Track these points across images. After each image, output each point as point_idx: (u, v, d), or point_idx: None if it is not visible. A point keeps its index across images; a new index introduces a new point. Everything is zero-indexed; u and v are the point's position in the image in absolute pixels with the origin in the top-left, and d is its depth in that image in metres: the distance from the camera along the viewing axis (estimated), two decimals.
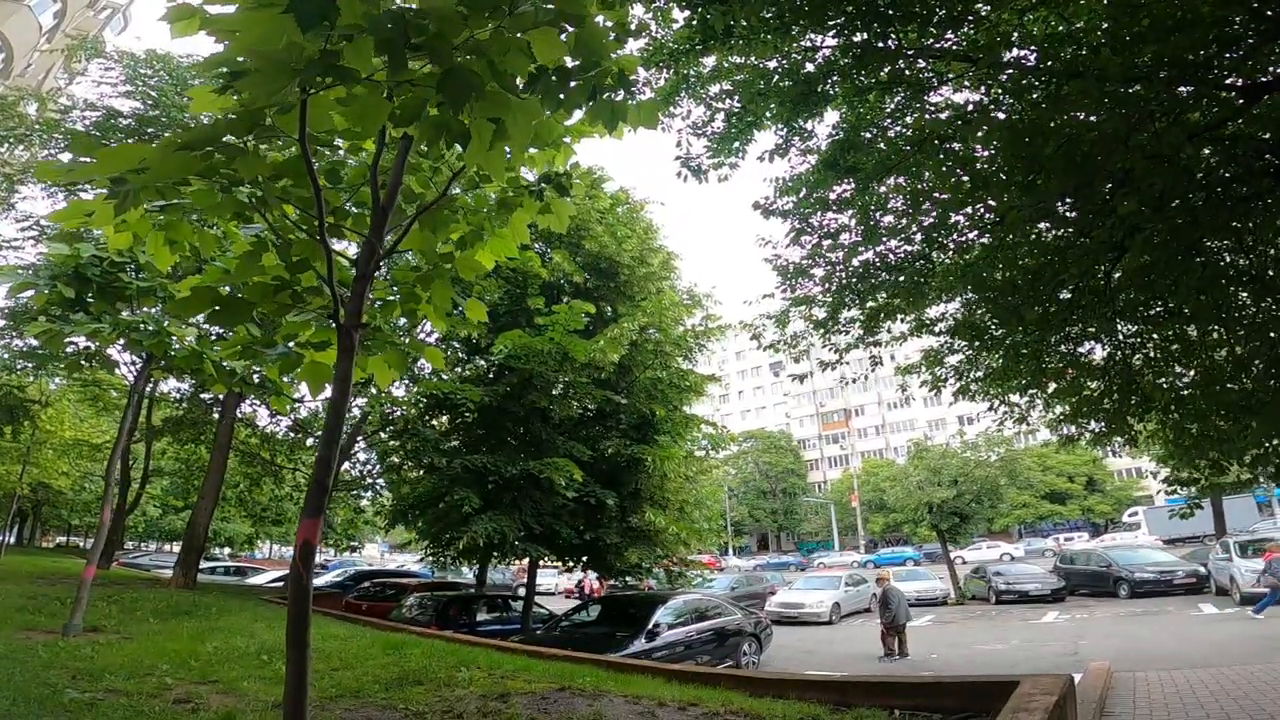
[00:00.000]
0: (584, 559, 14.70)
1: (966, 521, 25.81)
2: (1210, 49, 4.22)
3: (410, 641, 8.21)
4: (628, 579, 15.70)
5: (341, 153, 4.13)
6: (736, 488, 67.80)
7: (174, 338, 6.56)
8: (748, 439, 69.46)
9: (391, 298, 3.72)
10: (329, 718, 4.76)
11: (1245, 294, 7.07)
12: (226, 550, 44.26)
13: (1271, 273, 6.73)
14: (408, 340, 3.70)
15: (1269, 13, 3.95)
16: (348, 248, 5.01)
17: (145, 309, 6.85)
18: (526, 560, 14.73)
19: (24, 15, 26.51)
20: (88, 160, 2.51)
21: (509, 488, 12.87)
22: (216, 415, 16.55)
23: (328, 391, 3.17)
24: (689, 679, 6.49)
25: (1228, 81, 4.55)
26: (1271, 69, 4.83)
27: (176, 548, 33.26)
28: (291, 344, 3.11)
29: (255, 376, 9.39)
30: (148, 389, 19.05)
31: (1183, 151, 4.25)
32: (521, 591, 16.67)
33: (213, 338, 7.18)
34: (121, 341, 6.94)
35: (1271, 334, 7.05)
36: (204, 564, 26.17)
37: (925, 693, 5.18)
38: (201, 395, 18.24)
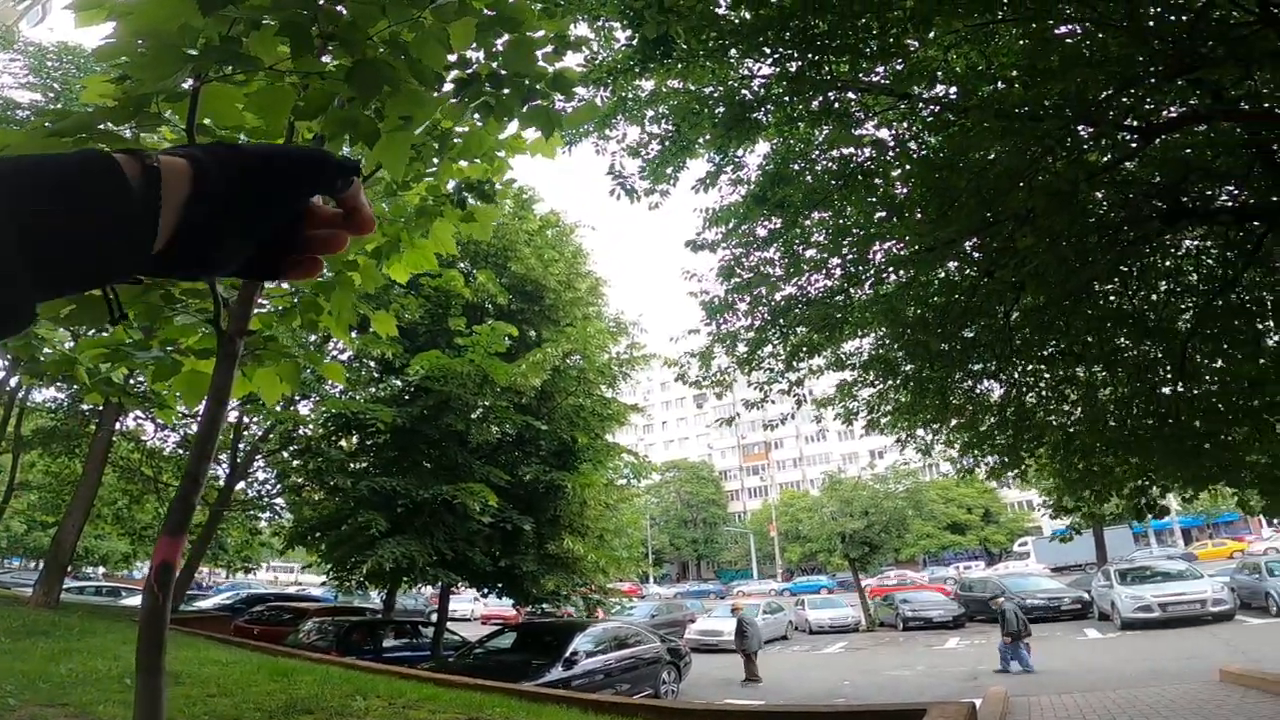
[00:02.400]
0: (499, 586, 14.23)
1: (876, 551, 26.72)
2: (1113, 88, 4.54)
3: (301, 668, 7.64)
4: (544, 607, 15.31)
5: None
6: (658, 516, 67.87)
7: (42, 341, 5.92)
8: (670, 469, 69.82)
9: (293, 306, 3.46)
10: None
11: (1128, 337, 7.61)
12: (100, 569, 40.70)
13: (1152, 317, 7.27)
14: (303, 352, 3.44)
15: (1169, 52, 4.28)
16: None
17: None
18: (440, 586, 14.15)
19: None
20: None
21: (420, 512, 12.34)
22: (94, 427, 15.24)
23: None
24: (606, 709, 6.30)
25: (1126, 122, 4.91)
26: (1166, 111, 5.26)
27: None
28: (169, 350, 2.82)
29: (139, 387, 8.66)
30: (19, 396, 17.41)
31: (1079, 190, 4.53)
32: (435, 618, 15.95)
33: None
34: None
35: (1150, 375, 7.61)
36: (73, 583, 23.85)
37: None
38: (81, 406, 16.73)
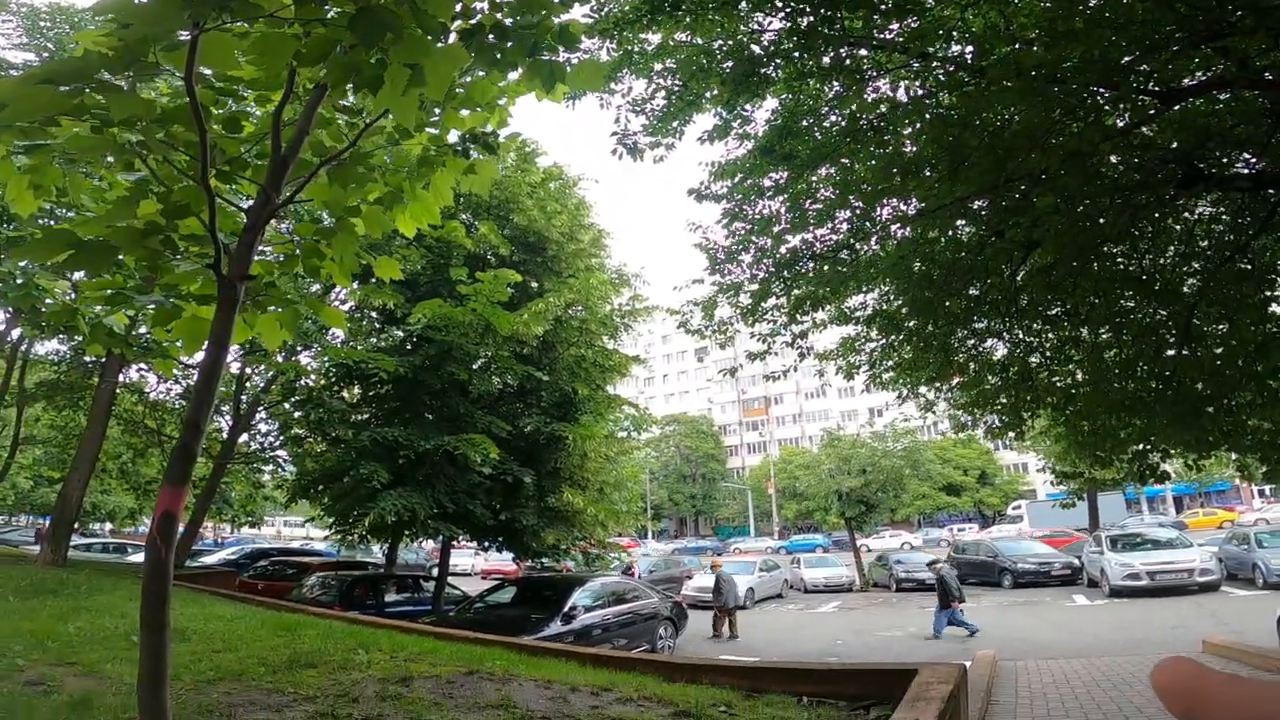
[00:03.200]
0: (500, 539, 14.46)
1: (872, 510, 26.91)
2: (1136, 52, 4.43)
3: (305, 622, 7.79)
4: (544, 561, 15.57)
5: (252, 107, 3.79)
6: (657, 471, 68.56)
7: (43, 291, 5.88)
8: (670, 422, 70.29)
9: (296, 253, 3.43)
10: (204, 702, 4.42)
11: (1133, 299, 7.57)
12: (107, 526, 41.21)
13: (1159, 280, 7.22)
14: (304, 299, 3.41)
15: (1198, 18, 4.16)
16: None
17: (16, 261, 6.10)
18: (441, 540, 14.37)
19: None
20: None
21: (422, 463, 12.44)
22: (97, 380, 15.32)
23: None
24: (604, 663, 6.43)
25: (1147, 87, 4.80)
26: (1188, 77, 5.14)
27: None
28: (170, 295, 2.80)
29: (143, 338, 8.63)
30: (21, 349, 17.42)
31: (1097, 152, 4.45)
32: (435, 572, 16.26)
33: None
34: None
35: (1154, 338, 7.59)
36: (79, 540, 24.19)
37: (833, 679, 5.32)
38: (83, 358, 16.79)
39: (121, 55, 2.42)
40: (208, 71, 2.93)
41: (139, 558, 24.09)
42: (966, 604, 14.77)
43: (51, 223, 9.23)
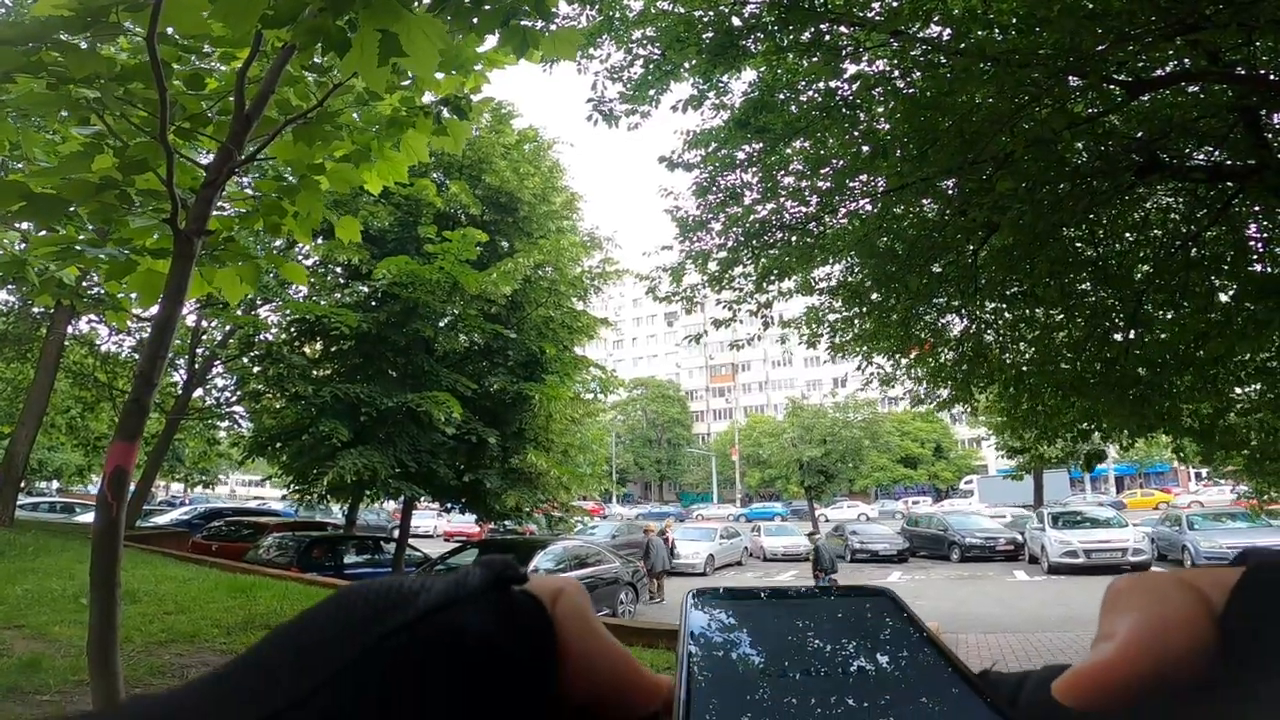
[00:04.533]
0: (462, 501, 14.48)
1: (831, 480, 27.58)
2: (1109, 41, 4.49)
3: (261, 584, 7.78)
4: (507, 523, 15.64)
5: (217, 64, 3.65)
6: (624, 434, 68.72)
7: None
8: (637, 386, 70.47)
9: (257, 209, 3.36)
10: (156, 663, 4.43)
11: (1087, 282, 7.79)
12: (55, 484, 39.78)
13: (1113, 264, 7.45)
14: (264, 254, 3.36)
15: (1172, 10, 4.23)
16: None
17: None
18: (402, 501, 14.33)
19: None
20: None
21: (384, 421, 12.35)
22: (45, 331, 14.75)
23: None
24: None
25: (1116, 76, 4.89)
26: (1158, 69, 5.24)
27: None
28: (125, 249, 2.73)
29: (96, 290, 8.35)
30: None
31: (1060, 139, 4.54)
32: (396, 534, 16.24)
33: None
34: None
35: (1104, 321, 7.85)
36: (26, 499, 23.44)
37: None
38: (32, 309, 16.13)
39: (80, 15, 2.33)
40: (171, 30, 2.83)
41: (88, 518, 23.40)
42: (922, 576, 15.13)
43: (3, 174, 8.85)
